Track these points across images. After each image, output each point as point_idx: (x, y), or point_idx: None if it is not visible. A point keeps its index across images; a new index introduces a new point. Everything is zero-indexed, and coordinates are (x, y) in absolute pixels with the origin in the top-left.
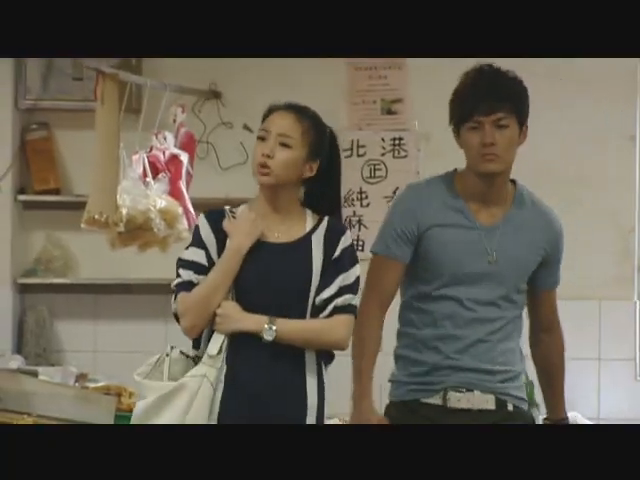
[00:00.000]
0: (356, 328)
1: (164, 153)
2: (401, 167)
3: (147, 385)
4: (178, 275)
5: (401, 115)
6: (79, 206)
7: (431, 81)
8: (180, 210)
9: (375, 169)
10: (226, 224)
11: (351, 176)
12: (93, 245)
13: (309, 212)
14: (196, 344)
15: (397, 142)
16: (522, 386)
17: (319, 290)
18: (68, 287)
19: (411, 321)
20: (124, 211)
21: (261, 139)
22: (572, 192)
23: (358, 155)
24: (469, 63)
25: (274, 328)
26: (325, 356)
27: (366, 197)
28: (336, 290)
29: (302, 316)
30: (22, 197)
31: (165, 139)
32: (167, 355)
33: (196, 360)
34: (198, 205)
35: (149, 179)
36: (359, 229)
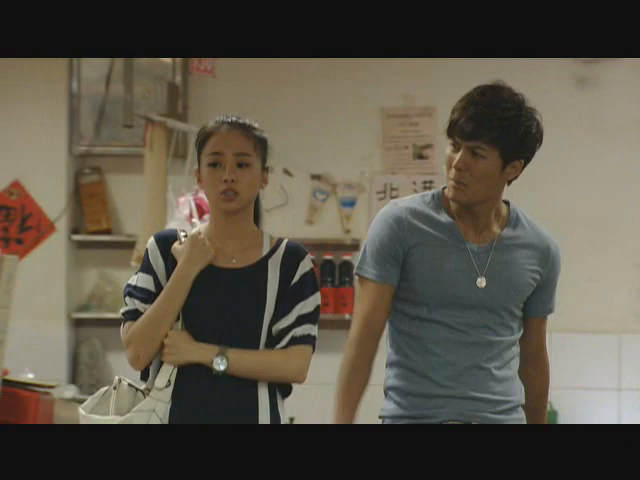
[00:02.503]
0: (345, 360)
1: None
2: None
3: (92, 420)
4: (125, 303)
5: (431, 160)
6: (129, 245)
7: None
8: None
9: None
10: (174, 248)
11: None
12: None
13: (266, 234)
14: (144, 375)
15: (428, 185)
16: (522, 419)
17: (276, 319)
18: (119, 321)
19: (400, 348)
20: None
21: (213, 165)
22: (594, 233)
23: (391, 197)
24: None
25: (225, 359)
26: (282, 388)
27: None
28: (294, 319)
29: (255, 346)
30: (76, 237)
31: None
32: (114, 388)
33: (145, 393)
34: None
35: (195, 220)
36: None
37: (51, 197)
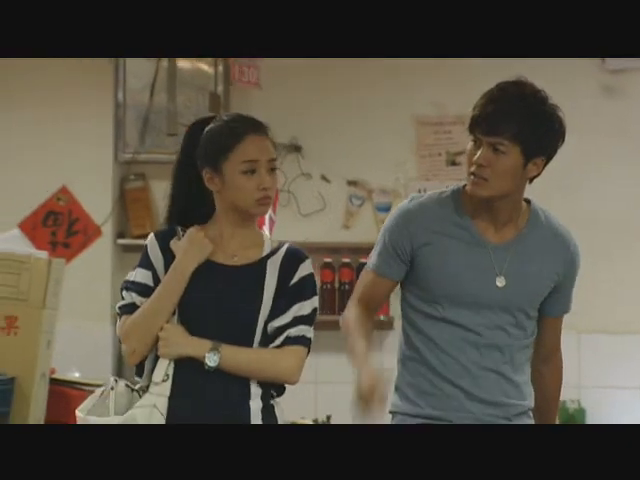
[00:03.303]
0: (347, 312)
1: None
2: None
3: (92, 422)
4: (122, 297)
5: (464, 166)
6: None
7: None
8: None
9: None
10: (174, 243)
11: None
12: None
13: (267, 235)
14: (139, 371)
15: None
16: (532, 423)
17: (271, 317)
18: None
19: (414, 345)
20: None
21: (252, 172)
22: (621, 236)
23: None
24: None
25: (218, 355)
26: (275, 387)
27: None
28: (290, 319)
29: (250, 342)
30: (121, 241)
31: None
32: (112, 389)
33: (140, 392)
34: None
35: None
36: None
37: (97, 202)
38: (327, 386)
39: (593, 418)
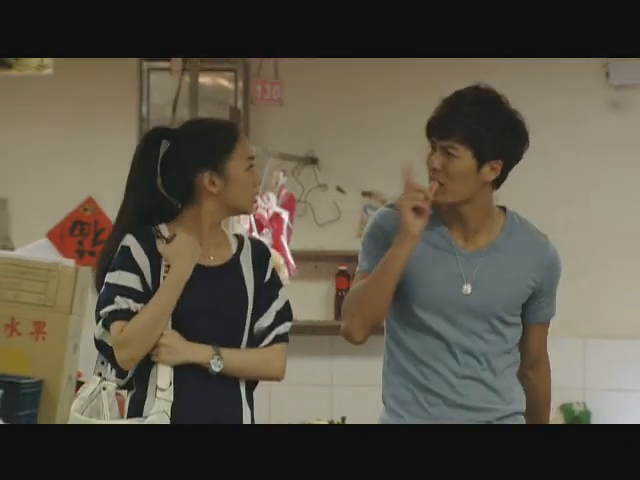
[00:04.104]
0: (346, 303)
1: (268, 211)
2: None
3: (86, 422)
4: (111, 301)
5: None
6: None
7: None
8: (282, 261)
9: None
10: (163, 248)
11: None
12: None
13: (229, 232)
14: (122, 374)
15: None
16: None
17: (256, 316)
18: None
19: (394, 357)
20: None
21: (252, 167)
22: (627, 244)
23: None
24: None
25: (221, 359)
26: (254, 382)
27: None
28: (274, 317)
29: (239, 343)
30: None
31: (269, 199)
32: (104, 389)
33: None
34: (297, 256)
35: (255, 234)
36: None
37: None
38: (342, 388)
39: (598, 420)
